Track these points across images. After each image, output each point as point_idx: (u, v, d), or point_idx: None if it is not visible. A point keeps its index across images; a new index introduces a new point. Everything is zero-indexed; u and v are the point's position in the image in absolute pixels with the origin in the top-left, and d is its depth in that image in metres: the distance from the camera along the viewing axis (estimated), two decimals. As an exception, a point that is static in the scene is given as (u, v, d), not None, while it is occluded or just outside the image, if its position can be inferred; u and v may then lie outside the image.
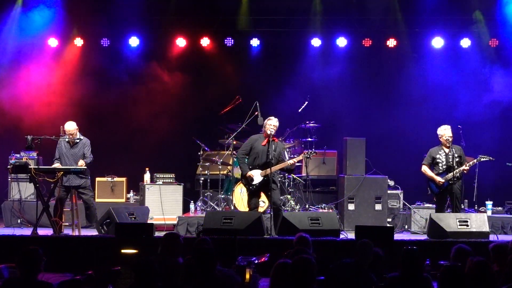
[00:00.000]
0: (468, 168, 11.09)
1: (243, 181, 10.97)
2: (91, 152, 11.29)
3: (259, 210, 11.15)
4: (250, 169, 10.76)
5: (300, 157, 11.14)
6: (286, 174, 12.50)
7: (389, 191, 12.64)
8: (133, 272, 5.83)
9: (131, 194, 13.27)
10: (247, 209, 11.54)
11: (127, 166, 13.76)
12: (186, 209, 12.67)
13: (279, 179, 11.70)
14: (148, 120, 14.48)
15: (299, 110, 13.59)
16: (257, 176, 10.71)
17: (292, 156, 12.18)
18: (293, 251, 6.76)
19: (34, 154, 12.50)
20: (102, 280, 6.70)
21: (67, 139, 11.23)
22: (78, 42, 14.26)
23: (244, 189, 12.13)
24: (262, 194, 10.96)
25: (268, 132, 10.71)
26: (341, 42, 14.32)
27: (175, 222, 11.80)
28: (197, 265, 5.99)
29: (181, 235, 8.09)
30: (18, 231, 11.19)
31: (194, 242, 7.10)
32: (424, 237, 10.93)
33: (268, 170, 10.54)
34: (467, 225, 10.35)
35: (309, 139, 13.18)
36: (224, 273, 6.17)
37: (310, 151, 11.42)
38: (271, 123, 10.75)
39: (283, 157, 10.92)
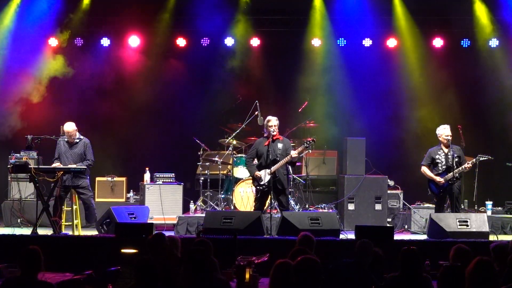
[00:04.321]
0: (471, 165, 11.09)
1: (254, 182, 11.04)
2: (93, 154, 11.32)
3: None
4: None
5: (301, 148, 11.12)
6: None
7: (389, 191, 12.65)
8: (135, 271, 5.81)
9: (131, 193, 13.27)
10: (248, 209, 11.58)
11: (127, 166, 13.78)
12: (186, 209, 12.67)
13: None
14: (148, 120, 14.48)
15: (299, 110, 13.61)
16: (265, 175, 10.77)
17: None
18: (293, 250, 6.75)
19: (34, 153, 12.50)
20: (102, 280, 6.71)
21: (66, 139, 11.24)
22: (78, 41, 14.25)
23: (244, 189, 12.19)
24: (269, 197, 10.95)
25: (273, 133, 10.75)
26: (342, 41, 14.32)
27: (175, 222, 11.79)
28: (188, 267, 5.95)
29: (173, 235, 8.06)
30: (18, 231, 11.20)
31: (192, 243, 7.09)
32: (424, 237, 10.94)
33: (272, 169, 10.59)
34: (467, 225, 10.35)
35: (309, 139, 13.16)
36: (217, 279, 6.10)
37: (309, 140, 11.32)
38: (272, 124, 10.82)
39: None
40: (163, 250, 7.02)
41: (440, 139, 11.25)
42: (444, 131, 11.21)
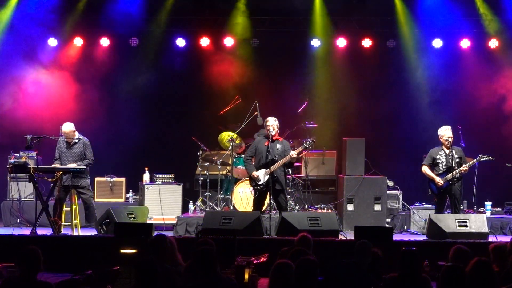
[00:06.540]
0: (467, 168, 11.10)
1: (251, 182, 11.05)
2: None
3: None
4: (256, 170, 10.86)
5: (300, 149, 11.12)
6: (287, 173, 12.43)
7: (388, 192, 12.64)
8: (135, 271, 5.80)
9: (130, 194, 13.26)
10: (248, 209, 11.57)
11: (126, 166, 13.76)
12: (185, 209, 12.68)
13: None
14: (147, 120, 14.47)
15: (299, 111, 13.60)
16: (262, 175, 10.77)
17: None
18: (293, 251, 6.75)
19: (34, 153, 12.50)
20: (101, 280, 6.70)
21: (65, 139, 11.23)
22: (78, 42, 14.23)
23: (243, 189, 12.19)
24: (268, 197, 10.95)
25: (269, 133, 10.77)
26: (341, 42, 14.31)
27: (174, 222, 11.79)
28: (198, 266, 5.97)
29: (171, 236, 8.06)
30: (17, 231, 11.22)
31: (195, 243, 7.10)
32: (423, 237, 10.93)
33: (271, 168, 10.59)
34: (466, 226, 10.36)
35: (308, 139, 13.15)
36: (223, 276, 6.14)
37: (309, 140, 11.35)
38: (270, 124, 10.83)
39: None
40: (163, 252, 7.03)
41: (442, 140, 11.26)
42: (445, 132, 11.23)
